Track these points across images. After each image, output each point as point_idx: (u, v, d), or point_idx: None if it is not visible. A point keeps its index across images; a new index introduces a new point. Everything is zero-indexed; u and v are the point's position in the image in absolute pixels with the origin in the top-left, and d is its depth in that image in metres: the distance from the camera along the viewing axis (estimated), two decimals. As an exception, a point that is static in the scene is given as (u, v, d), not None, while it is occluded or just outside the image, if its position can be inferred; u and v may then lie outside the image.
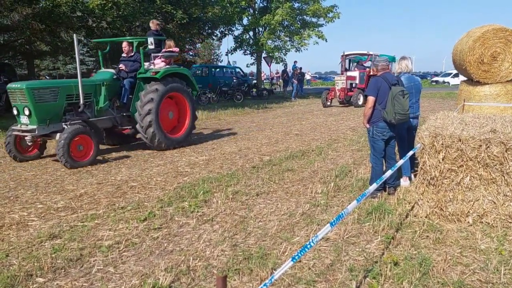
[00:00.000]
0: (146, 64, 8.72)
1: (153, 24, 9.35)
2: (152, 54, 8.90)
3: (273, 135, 10.44)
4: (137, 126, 8.30)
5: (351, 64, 20.49)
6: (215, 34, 25.20)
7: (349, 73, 19.03)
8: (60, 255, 3.65)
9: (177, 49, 9.17)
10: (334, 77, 22.14)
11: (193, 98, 9.36)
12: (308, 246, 2.22)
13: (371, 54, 18.90)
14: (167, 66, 8.77)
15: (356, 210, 4.56)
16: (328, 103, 18.42)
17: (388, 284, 3.13)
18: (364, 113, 5.20)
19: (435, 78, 43.75)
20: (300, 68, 26.87)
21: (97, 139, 7.50)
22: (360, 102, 17.84)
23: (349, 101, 18.12)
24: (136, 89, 8.48)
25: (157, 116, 8.23)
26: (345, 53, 19.46)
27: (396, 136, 5.26)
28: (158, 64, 8.76)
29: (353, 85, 18.66)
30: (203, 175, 6.40)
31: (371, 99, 5.02)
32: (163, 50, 8.97)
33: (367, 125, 5.18)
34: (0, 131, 10.20)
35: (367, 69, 18.63)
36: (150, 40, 8.34)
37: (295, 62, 27.38)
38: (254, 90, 25.27)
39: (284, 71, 28.67)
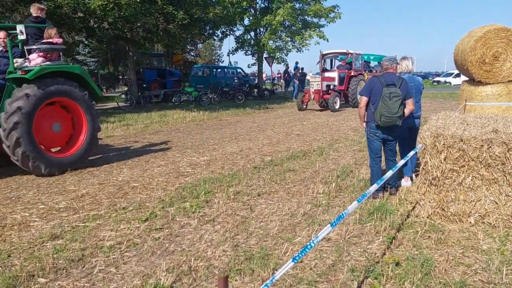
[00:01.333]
0: (20, 60, 6.72)
1: (33, 9, 7.11)
2: (25, 47, 6.68)
3: (274, 136, 10.44)
4: (3, 145, 6.35)
5: (334, 64, 19.49)
6: (216, 35, 25.29)
7: (327, 74, 17.68)
8: (61, 255, 3.65)
9: (59, 40, 6.96)
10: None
11: (91, 105, 7.18)
12: (309, 246, 2.22)
13: (351, 53, 17.94)
14: (48, 63, 6.71)
15: (358, 210, 4.56)
16: (304, 107, 16.80)
17: (389, 284, 3.13)
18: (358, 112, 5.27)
19: (437, 78, 43.71)
20: (302, 69, 26.89)
21: None
22: (337, 106, 16.18)
23: (327, 105, 16.42)
24: (5, 94, 6.52)
25: (29, 131, 6.30)
26: (323, 53, 18.13)
27: (397, 136, 5.26)
28: (34, 60, 6.66)
29: (331, 86, 16.95)
30: (204, 176, 6.40)
31: (362, 98, 5.07)
32: (42, 41, 6.83)
33: (364, 125, 5.22)
34: None
35: (348, 71, 17.54)
36: (20, 28, 6.23)
37: (297, 62, 27.45)
38: (255, 90, 25.28)
39: (286, 72, 28.71)
